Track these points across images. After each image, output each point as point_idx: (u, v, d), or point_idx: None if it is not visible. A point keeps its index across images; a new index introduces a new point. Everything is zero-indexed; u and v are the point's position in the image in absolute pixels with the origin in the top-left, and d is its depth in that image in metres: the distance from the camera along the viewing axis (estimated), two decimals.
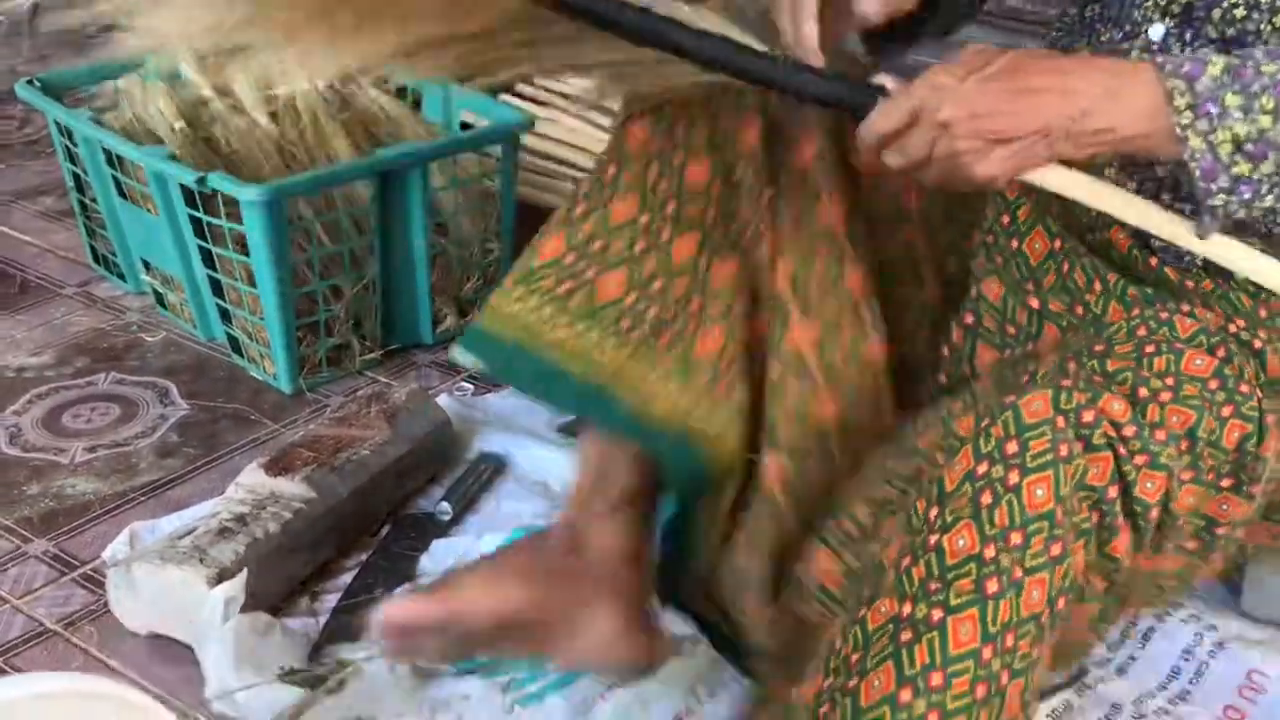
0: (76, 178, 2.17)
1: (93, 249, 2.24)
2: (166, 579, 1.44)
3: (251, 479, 1.58)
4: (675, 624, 1.40)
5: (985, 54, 1.05)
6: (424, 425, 1.72)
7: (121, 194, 2.04)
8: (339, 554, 1.59)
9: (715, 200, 1.27)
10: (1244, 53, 1.04)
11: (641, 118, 1.26)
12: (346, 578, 1.57)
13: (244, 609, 1.42)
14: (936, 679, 0.99)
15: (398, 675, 1.38)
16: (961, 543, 1.00)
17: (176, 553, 1.45)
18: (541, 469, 1.74)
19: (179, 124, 2.05)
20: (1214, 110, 1.02)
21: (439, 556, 1.60)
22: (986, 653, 0.99)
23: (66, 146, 2.15)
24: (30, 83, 2.15)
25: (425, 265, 1.98)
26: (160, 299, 2.11)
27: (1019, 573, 0.99)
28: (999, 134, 1.03)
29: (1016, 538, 1.00)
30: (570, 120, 2.56)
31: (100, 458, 1.79)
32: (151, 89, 2.11)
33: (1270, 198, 1.04)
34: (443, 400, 1.84)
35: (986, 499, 1.01)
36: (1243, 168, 1.02)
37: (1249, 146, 1.01)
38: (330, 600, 1.54)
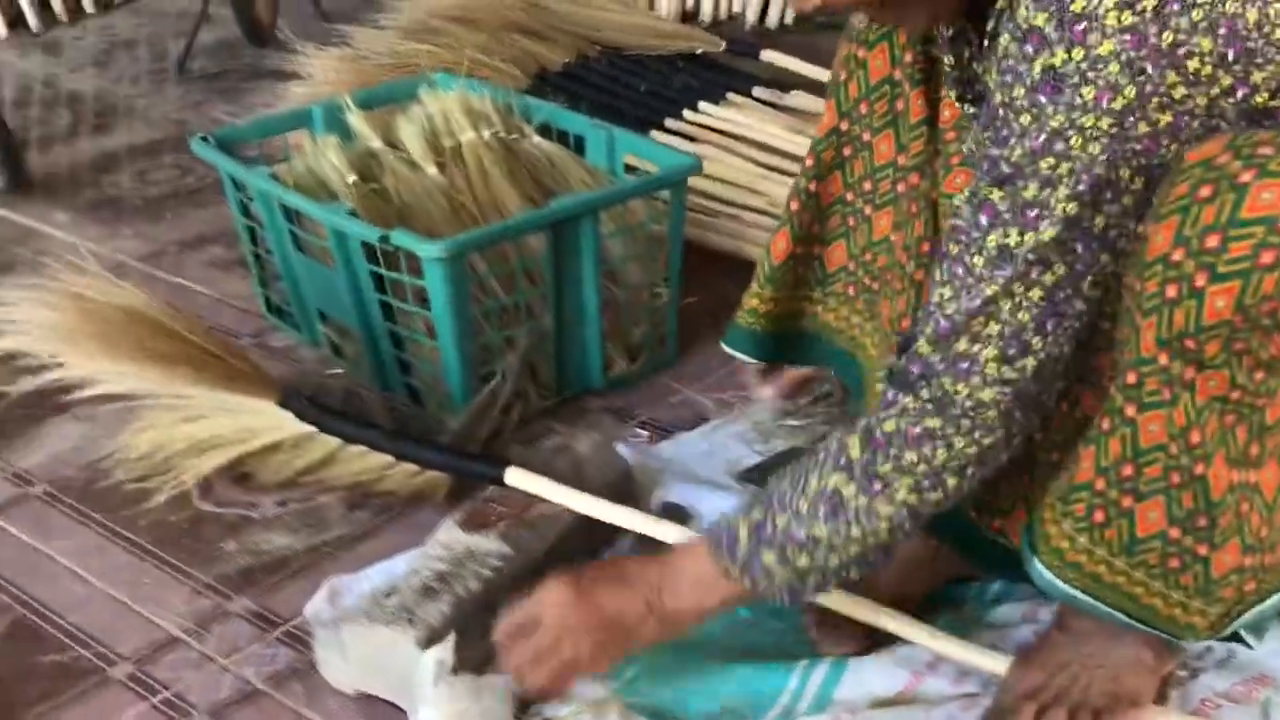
0: (250, 230, 2.21)
1: (267, 299, 2.29)
2: (375, 640, 1.46)
3: (448, 536, 1.60)
4: None
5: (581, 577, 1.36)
6: (608, 476, 1.73)
7: (298, 247, 2.08)
8: None
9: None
10: (767, 499, 1.27)
11: None
12: None
13: (451, 670, 1.43)
14: None
15: None
16: None
17: (384, 613, 1.47)
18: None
19: (351, 177, 2.08)
20: (760, 576, 1.27)
21: None
22: None
23: (240, 200, 2.19)
24: (204, 139, 2.20)
25: (596, 312, 1.99)
26: (336, 350, 2.15)
27: None
28: (606, 635, 1.33)
29: None
30: (729, 158, 2.56)
31: (291, 511, 1.82)
32: (323, 142, 2.15)
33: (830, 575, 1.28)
34: (620, 449, 1.85)
35: None
36: (809, 586, 1.28)
37: (794, 580, 1.27)
38: None
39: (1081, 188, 1.10)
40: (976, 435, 1.19)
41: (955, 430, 1.19)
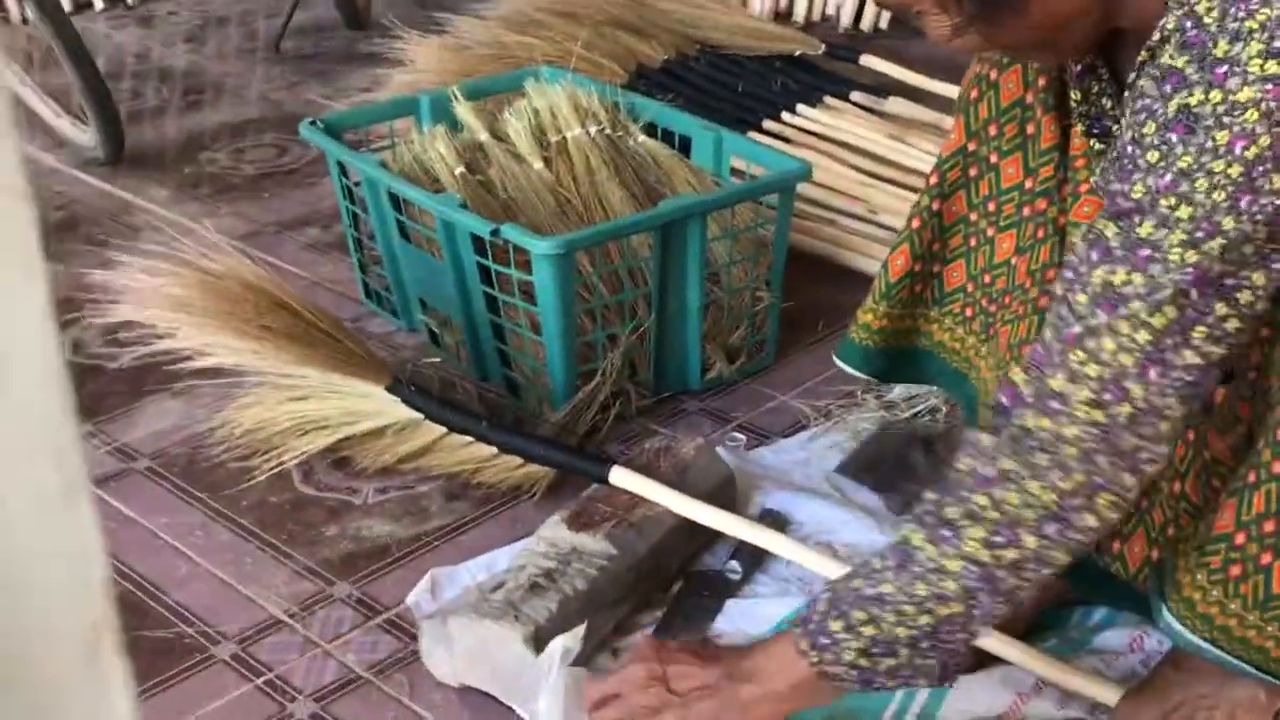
0: (354, 215, 2.23)
1: (365, 285, 2.30)
2: (482, 634, 1.47)
3: (553, 532, 1.61)
4: None
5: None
6: (711, 480, 1.73)
7: (403, 235, 2.09)
8: (635, 610, 1.61)
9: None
10: (851, 573, 1.24)
11: None
12: (643, 634, 1.58)
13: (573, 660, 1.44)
14: None
15: None
16: None
17: (491, 607, 1.48)
18: (825, 528, 1.73)
19: (459, 168, 2.09)
20: (825, 642, 1.22)
21: (733, 617, 1.61)
22: None
23: (345, 185, 2.21)
24: (313, 123, 2.21)
25: (698, 315, 1.99)
26: (435, 338, 2.16)
27: None
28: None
29: None
30: (826, 162, 2.55)
31: (392, 499, 1.83)
32: (431, 132, 2.15)
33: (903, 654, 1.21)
34: (720, 452, 1.85)
35: None
36: (879, 670, 1.22)
37: (865, 661, 1.21)
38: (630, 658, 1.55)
39: (1200, 234, 1.06)
40: (1052, 477, 1.11)
41: (1029, 472, 1.12)
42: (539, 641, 1.45)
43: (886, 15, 3.51)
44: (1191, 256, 1.07)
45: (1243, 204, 1.06)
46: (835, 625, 1.21)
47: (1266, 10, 1.04)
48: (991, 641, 1.44)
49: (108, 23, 3.88)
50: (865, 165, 2.56)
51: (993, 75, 1.43)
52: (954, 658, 1.22)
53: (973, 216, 1.50)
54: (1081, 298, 1.12)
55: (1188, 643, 1.23)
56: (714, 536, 1.72)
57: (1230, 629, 1.20)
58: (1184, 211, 1.07)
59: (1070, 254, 1.17)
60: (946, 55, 1.48)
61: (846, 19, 3.52)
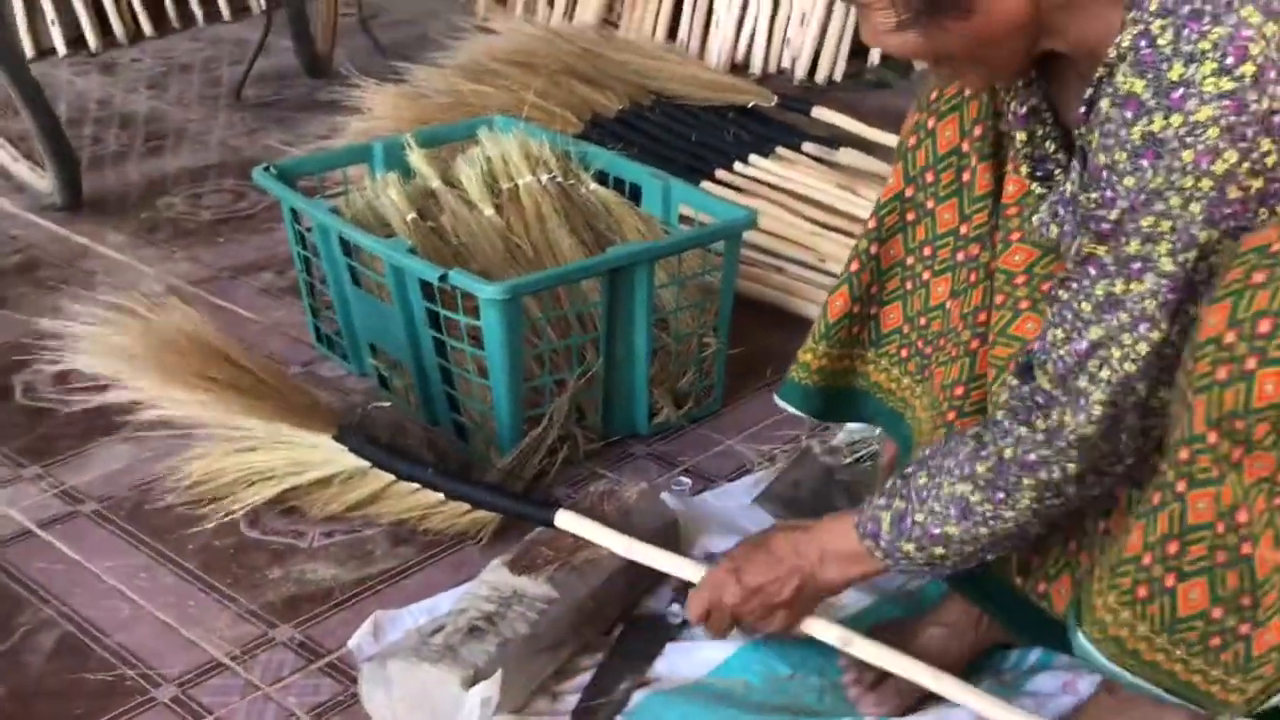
0: (306, 261, 2.24)
1: (317, 329, 2.32)
2: (421, 677, 1.47)
3: (496, 576, 1.61)
4: None
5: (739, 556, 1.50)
6: (654, 524, 1.74)
7: (354, 280, 2.11)
8: (575, 653, 1.62)
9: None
10: (906, 492, 1.38)
11: None
12: (584, 678, 1.59)
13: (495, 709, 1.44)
14: None
15: None
16: None
17: (430, 651, 1.49)
18: None
19: (410, 215, 2.11)
20: (902, 560, 1.39)
21: (672, 659, 1.62)
22: None
23: (298, 231, 2.22)
24: (267, 169, 2.23)
25: (646, 360, 2.01)
26: (385, 382, 2.17)
27: None
28: (768, 604, 1.47)
29: None
30: (777, 212, 2.58)
31: (337, 543, 1.84)
32: (384, 179, 2.18)
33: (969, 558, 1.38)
34: (665, 496, 1.87)
35: None
36: (947, 566, 1.39)
37: (942, 567, 1.39)
38: (569, 700, 1.56)
39: (1180, 244, 1.14)
40: (1084, 461, 1.26)
41: (1061, 461, 1.26)
42: (478, 684, 1.46)
43: (840, 68, 3.56)
44: (1176, 267, 1.15)
45: (1217, 215, 1.12)
46: (908, 546, 1.38)
47: (1219, 29, 1.09)
48: (931, 680, 1.45)
49: (71, 69, 3.90)
50: (815, 215, 2.59)
51: (930, 123, 1.46)
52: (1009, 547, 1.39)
53: (909, 260, 1.53)
54: (1085, 305, 1.22)
55: (1099, 665, 1.25)
56: (656, 580, 1.73)
57: (1140, 652, 1.22)
58: (1165, 226, 1.14)
59: (1064, 272, 1.25)
60: (898, 108, 1.52)
61: (801, 71, 3.57)
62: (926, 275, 1.52)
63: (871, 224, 1.55)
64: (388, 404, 2.11)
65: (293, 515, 1.88)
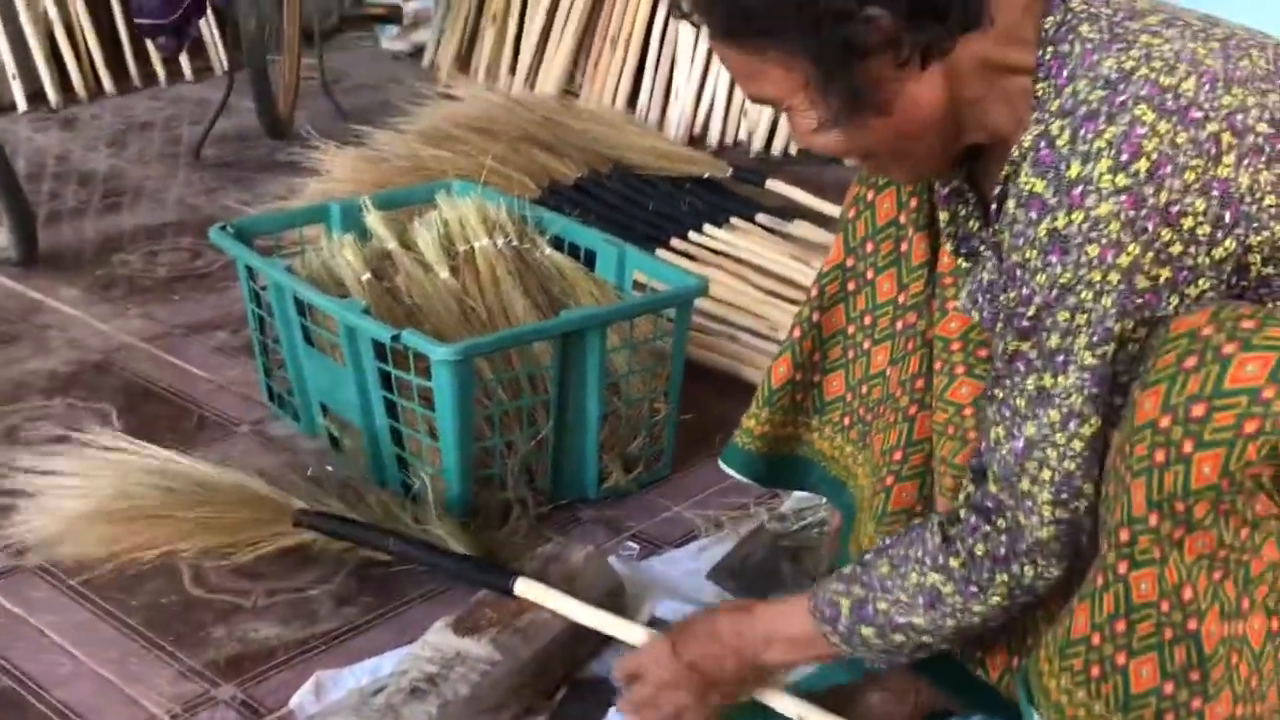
0: (260, 319, 2.25)
1: (269, 388, 2.32)
2: None
3: (438, 638, 1.62)
4: None
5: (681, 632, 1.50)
6: (600, 589, 1.75)
7: (307, 339, 2.12)
8: (517, 716, 1.62)
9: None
10: (867, 579, 1.37)
11: None
12: None
13: None
14: None
15: None
16: None
17: (372, 711, 1.49)
18: None
19: (366, 275, 2.13)
20: (859, 645, 1.38)
21: None
22: None
23: (253, 289, 2.23)
24: (224, 228, 2.24)
25: (597, 424, 2.03)
26: (335, 442, 2.17)
27: None
28: (703, 684, 1.47)
29: None
30: (731, 280, 2.61)
31: (282, 602, 1.83)
32: (340, 240, 2.19)
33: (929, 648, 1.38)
34: (611, 561, 1.87)
35: None
36: (904, 655, 1.39)
37: (897, 655, 1.39)
38: None
39: (1096, 338, 1.16)
40: (1051, 562, 1.27)
41: (1030, 559, 1.27)
42: None
43: (795, 142, 3.61)
44: (1094, 360, 1.17)
45: (1128, 305, 1.15)
46: (867, 631, 1.38)
47: (1113, 128, 1.12)
48: None
49: (30, 125, 3.90)
50: (767, 284, 2.63)
51: (870, 196, 1.50)
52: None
53: (850, 329, 1.56)
54: (1020, 401, 1.23)
55: None
56: (600, 644, 1.73)
57: None
58: (1080, 319, 1.17)
59: (995, 370, 1.26)
60: (850, 182, 1.55)
61: (758, 144, 3.62)
62: (867, 344, 1.55)
63: (814, 292, 1.58)
64: (330, 468, 2.11)
65: (238, 574, 1.88)
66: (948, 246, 1.41)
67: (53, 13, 4.05)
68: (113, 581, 1.86)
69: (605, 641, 1.73)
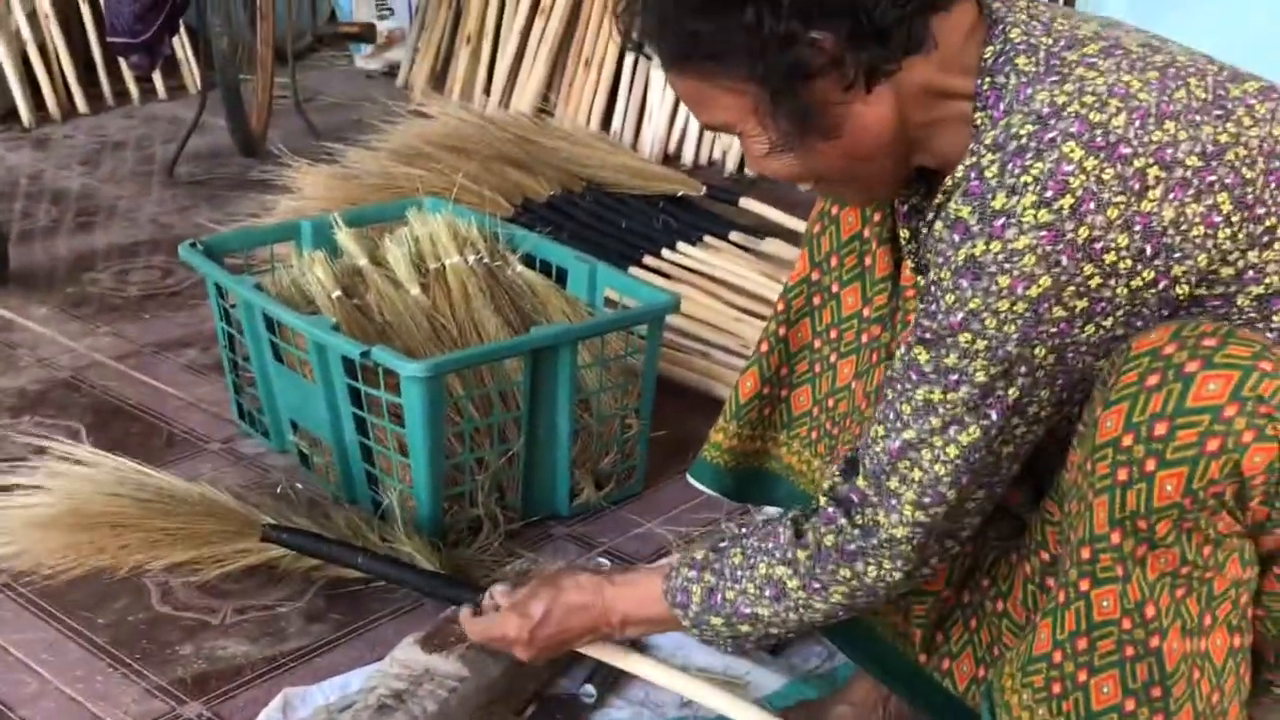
0: (230, 337, 2.24)
1: (239, 405, 2.31)
2: None
3: (407, 654, 1.61)
4: None
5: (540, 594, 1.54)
6: None
7: (277, 357, 2.11)
8: None
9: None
10: (719, 566, 1.41)
11: None
12: None
13: None
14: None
15: None
16: None
17: None
18: (683, 651, 1.75)
19: (336, 292, 2.12)
20: (708, 631, 1.43)
21: None
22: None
23: (223, 307, 2.22)
24: (194, 245, 2.23)
25: (568, 440, 2.02)
26: (305, 460, 2.16)
27: None
28: (550, 646, 1.54)
29: None
30: (703, 298, 2.62)
31: (250, 619, 1.82)
32: (310, 257, 2.19)
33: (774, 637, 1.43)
34: None
35: None
36: (749, 643, 1.44)
37: (744, 642, 1.43)
38: None
39: (994, 364, 1.18)
40: (898, 564, 1.31)
41: (876, 559, 1.31)
42: None
43: (748, 168, 3.63)
44: (986, 379, 1.19)
45: (1032, 335, 1.16)
46: (715, 620, 1.42)
47: (1040, 164, 1.13)
48: None
49: (3, 144, 3.89)
50: (740, 301, 2.63)
51: (834, 210, 1.50)
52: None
53: (816, 344, 1.56)
54: (905, 408, 1.25)
55: None
56: (570, 660, 1.73)
57: None
58: (980, 344, 1.18)
59: (890, 370, 1.28)
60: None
61: (731, 164, 3.63)
62: (833, 358, 1.55)
63: (780, 307, 1.59)
64: (299, 485, 2.10)
65: (206, 592, 1.87)
66: (909, 263, 1.41)
67: (26, 32, 4.05)
68: (80, 600, 1.85)
69: (575, 657, 1.73)
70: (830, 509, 1.33)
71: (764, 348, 1.59)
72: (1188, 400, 1.10)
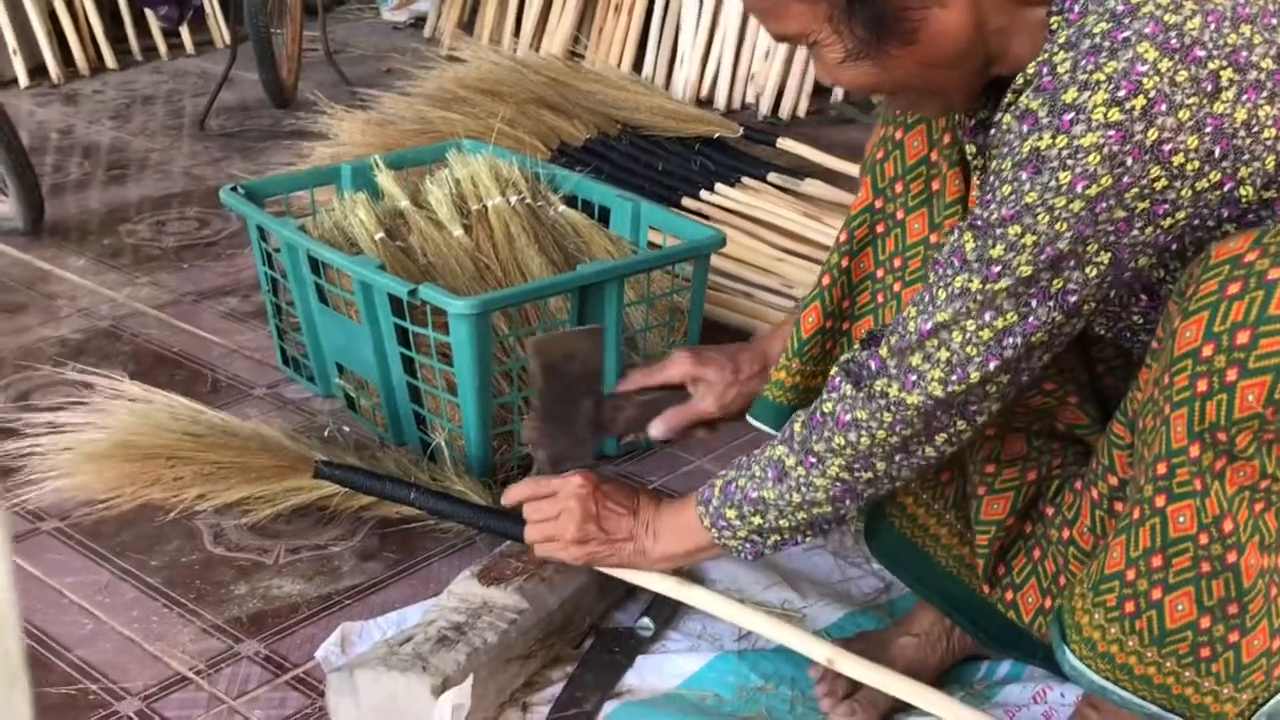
0: (274, 282, 2.23)
1: (283, 351, 2.30)
2: (390, 686, 1.46)
3: (464, 588, 1.60)
4: None
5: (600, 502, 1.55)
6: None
7: (322, 299, 2.10)
8: (545, 665, 1.61)
9: None
10: (740, 462, 1.45)
11: None
12: (554, 689, 1.58)
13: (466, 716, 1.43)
14: None
15: None
16: None
17: (399, 660, 1.47)
18: (738, 584, 1.75)
19: (379, 234, 2.11)
20: (725, 531, 1.45)
21: (643, 672, 1.61)
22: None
23: (264, 251, 2.22)
24: (234, 189, 2.22)
25: (614, 378, 2.01)
26: (351, 403, 2.16)
27: None
28: (592, 555, 1.55)
29: None
30: (744, 238, 2.60)
31: (304, 559, 1.82)
32: (352, 199, 2.17)
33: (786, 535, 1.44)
34: None
35: None
36: (766, 543, 1.45)
37: (751, 536, 1.44)
38: (540, 712, 1.55)
39: (1043, 258, 1.17)
40: (897, 429, 1.31)
41: (877, 424, 1.31)
42: (447, 691, 1.44)
43: (804, 104, 3.60)
44: (1031, 271, 1.18)
45: (1085, 233, 1.15)
46: (730, 513, 1.44)
47: (1114, 64, 1.11)
48: (905, 689, 1.45)
49: (32, 99, 3.88)
50: (781, 241, 2.61)
51: (898, 135, 1.47)
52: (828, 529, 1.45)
53: (879, 273, 1.53)
54: (941, 293, 1.24)
55: (1091, 684, 1.25)
56: (626, 593, 1.72)
57: (1131, 667, 1.22)
58: (1029, 239, 1.17)
59: (935, 254, 1.27)
60: (861, 142, 1.53)
61: (765, 107, 3.60)
62: (898, 287, 1.53)
63: (843, 237, 1.56)
64: (347, 429, 2.10)
65: (258, 533, 1.87)
66: (976, 180, 1.39)
67: None
68: (132, 543, 1.85)
69: (630, 592, 1.72)
70: (837, 379, 1.35)
71: (825, 280, 1.56)
72: (1271, 307, 1.07)
